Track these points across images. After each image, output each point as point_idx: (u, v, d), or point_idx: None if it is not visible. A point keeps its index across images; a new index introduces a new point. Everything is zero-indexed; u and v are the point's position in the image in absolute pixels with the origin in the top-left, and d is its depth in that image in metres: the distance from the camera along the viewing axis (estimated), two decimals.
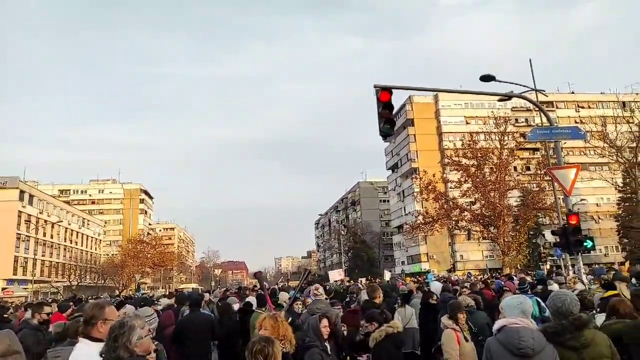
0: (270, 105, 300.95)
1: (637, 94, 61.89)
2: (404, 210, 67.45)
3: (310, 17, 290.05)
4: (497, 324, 3.27)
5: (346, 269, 55.62)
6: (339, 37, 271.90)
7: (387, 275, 27.48)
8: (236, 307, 8.88)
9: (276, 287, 20.77)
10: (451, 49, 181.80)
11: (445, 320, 5.41)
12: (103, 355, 2.41)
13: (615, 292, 7.38)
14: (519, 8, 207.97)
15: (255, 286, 25.04)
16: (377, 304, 6.06)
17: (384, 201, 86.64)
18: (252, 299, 8.68)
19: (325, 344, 4.58)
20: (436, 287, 9.00)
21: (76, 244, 72.65)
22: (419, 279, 24.08)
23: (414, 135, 66.75)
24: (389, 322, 4.63)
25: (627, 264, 24.67)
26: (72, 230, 71.52)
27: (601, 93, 65.19)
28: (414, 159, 65.79)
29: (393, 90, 10.93)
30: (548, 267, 26.24)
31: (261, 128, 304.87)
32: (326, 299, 7.76)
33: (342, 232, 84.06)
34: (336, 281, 28.10)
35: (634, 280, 8.95)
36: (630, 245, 48.51)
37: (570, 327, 3.16)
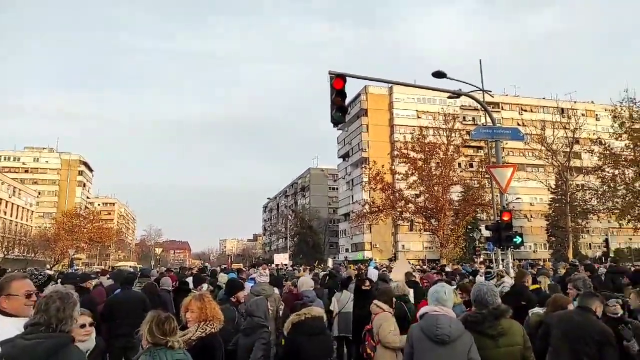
0: (226, 84, 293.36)
1: (575, 102, 66.19)
2: (352, 198, 68.54)
3: None
4: (420, 311, 3.38)
5: (291, 254, 55.90)
6: (303, 20, 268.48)
7: (330, 262, 27.90)
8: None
9: (217, 268, 20.49)
10: (410, 43, 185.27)
11: (378, 303, 5.53)
12: (42, 329, 2.21)
13: (538, 286, 7.93)
14: (478, 9, 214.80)
15: (204, 267, 24.67)
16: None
17: (333, 188, 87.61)
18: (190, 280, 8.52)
19: None
20: (373, 274, 9.22)
21: (5, 214, 68.02)
22: (361, 266, 24.63)
23: (367, 125, 67.65)
24: (301, 310, 4.56)
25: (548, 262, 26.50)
26: (0, 198, 66.83)
27: (543, 98, 68.81)
28: (365, 149, 66.76)
29: (349, 79, 10.99)
30: (481, 260, 27.70)
31: (216, 107, 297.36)
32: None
33: (290, 216, 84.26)
34: (277, 265, 28.19)
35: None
36: (557, 244, 52.20)
37: (489, 316, 3.32)
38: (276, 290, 6.87)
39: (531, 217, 62.73)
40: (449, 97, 15.96)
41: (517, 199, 56.70)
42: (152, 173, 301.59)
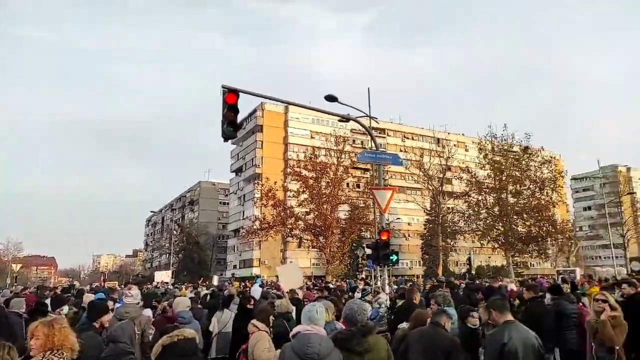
0: (112, 87, 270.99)
1: (449, 133, 73.77)
2: (243, 214, 67.57)
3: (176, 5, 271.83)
4: (293, 331, 3.41)
5: (174, 271, 52.97)
6: (199, 31, 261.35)
7: (216, 280, 27.01)
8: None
9: (86, 287, 18.49)
10: (306, 67, 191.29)
11: (254, 322, 5.49)
12: None
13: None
14: (369, 42, 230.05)
15: (71, 286, 21.94)
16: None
17: (224, 203, 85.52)
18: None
19: None
20: (256, 292, 9.10)
21: None
22: (247, 284, 24.22)
23: (262, 141, 67.68)
24: (173, 332, 4.33)
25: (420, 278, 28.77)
26: None
27: (422, 128, 75.51)
28: (259, 165, 66.61)
29: (244, 95, 10.90)
30: (364, 276, 29.10)
31: (99, 110, 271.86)
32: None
33: (176, 231, 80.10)
34: (157, 283, 26.51)
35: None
36: (429, 261, 56.99)
37: (357, 333, 3.47)
38: (147, 312, 6.38)
39: (409, 236, 67.80)
40: (340, 121, 16.73)
41: (397, 219, 61.16)
42: (13, 178, 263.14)
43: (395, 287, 14.98)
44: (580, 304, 7.79)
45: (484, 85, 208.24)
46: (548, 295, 7.41)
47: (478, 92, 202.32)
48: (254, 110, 68.36)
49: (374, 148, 13.75)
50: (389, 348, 3.60)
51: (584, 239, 72.04)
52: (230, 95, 10.50)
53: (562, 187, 46.62)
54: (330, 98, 15.39)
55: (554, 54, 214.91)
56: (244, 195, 69.68)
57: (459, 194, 44.68)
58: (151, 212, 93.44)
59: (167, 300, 9.41)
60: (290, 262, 52.57)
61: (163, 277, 32.81)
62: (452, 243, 51.43)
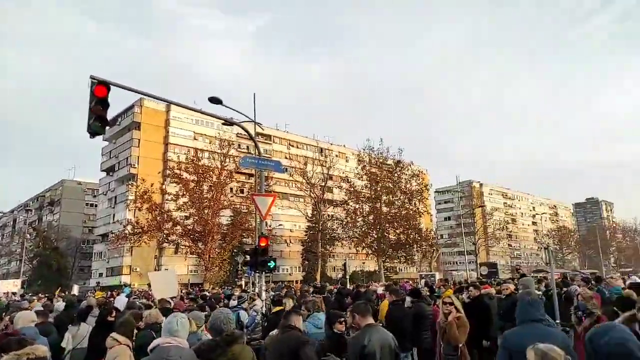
0: None
1: (331, 144, 77.08)
2: (113, 217, 62.12)
3: None
4: (153, 344, 3.21)
5: (26, 280, 46.48)
6: (66, 12, 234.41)
7: (76, 289, 24.34)
8: None
9: None
10: (194, 67, 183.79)
11: (115, 335, 5.09)
12: None
13: (281, 307, 8.62)
14: (260, 48, 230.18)
15: None
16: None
17: (91, 205, 77.83)
18: None
19: None
20: (121, 302, 8.40)
21: None
22: (113, 293, 22.26)
23: (139, 140, 63.10)
24: (21, 350, 3.81)
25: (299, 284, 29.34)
26: None
27: (307, 137, 77.65)
28: (135, 165, 61.95)
29: (122, 89, 9.99)
30: (244, 283, 28.70)
31: None
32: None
33: (29, 235, 70.44)
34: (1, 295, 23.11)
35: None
36: (309, 267, 58.55)
37: (222, 343, 3.39)
38: None
39: (290, 242, 68.87)
40: (224, 124, 16.37)
41: (279, 225, 61.78)
42: None
43: (272, 293, 15.06)
44: (436, 305, 8.64)
45: (365, 100, 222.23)
46: (408, 299, 8.08)
47: (359, 106, 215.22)
48: (132, 106, 63.56)
49: (263, 154, 13.73)
50: (254, 356, 3.59)
51: (443, 246, 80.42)
52: (100, 88, 9.56)
53: (428, 198, 51.71)
54: (215, 100, 15.00)
55: (424, 78, 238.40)
56: (116, 197, 64.19)
57: (339, 202, 46.90)
58: (0, 212, 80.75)
59: (10, 314, 8.18)
60: (166, 269, 49.74)
61: (9, 287, 28.58)
62: (330, 249, 53.51)
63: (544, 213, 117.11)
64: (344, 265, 28.42)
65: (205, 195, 35.31)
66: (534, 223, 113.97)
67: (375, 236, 40.39)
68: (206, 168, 36.00)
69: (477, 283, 10.23)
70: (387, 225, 40.64)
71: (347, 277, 27.01)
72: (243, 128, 13.13)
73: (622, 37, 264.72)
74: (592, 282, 11.23)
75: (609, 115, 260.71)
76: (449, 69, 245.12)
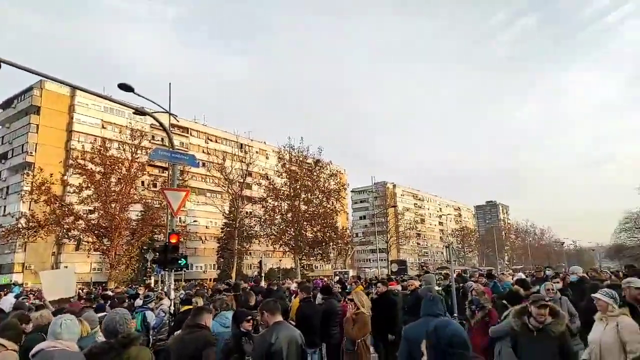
0: None
1: (252, 139, 76.15)
2: (4, 209, 55.84)
3: None
4: (35, 348, 2.93)
5: None
6: None
7: None
8: None
9: None
10: (105, 50, 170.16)
11: (2, 341, 4.56)
12: None
13: (191, 306, 8.35)
14: (182, 38, 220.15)
15: None
16: None
17: None
18: None
19: None
20: (7, 303, 7.58)
21: None
22: (1, 293, 20.03)
23: (37, 125, 57.33)
24: None
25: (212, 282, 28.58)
26: None
27: (226, 132, 75.88)
28: (32, 152, 56.18)
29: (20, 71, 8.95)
30: (153, 282, 27.32)
31: None
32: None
33: None
34: None
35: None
36: (224, 264, 57.31)
37: (116, 345, 3.18)
38: None
39: (206, 239, 66.94)
40: (135, 113, 15.42)
41: (194, 221, 59.83)
42: None
43: (183, 292, 14.51)
44: (345, 302, 8.90)
45: (286, 99, 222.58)
46: (319, 295, 8.23)
47: (280, 104, 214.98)
48: (30, 88, 57.62)
49: (177, 147, 13.15)
50: (152, 357, 3.42)
51: (358, 244, 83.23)
52: None
53: (345, 198, 53.14)
54: (125, 87, 14.08)
55: (345, 79, 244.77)
56: (8, 187, 57.79)
57: (257, 199, 46.47)
58: None
59: None
60: (66, 267, 45.74)
61: None
62: (247, 246, 52.85)
63: (449, 214, 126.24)
64: (260, 262, 28.22)
65: (112, 189, 33.05)
66: (440, 223, 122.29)
67: (293, 234, 40.62)
68: (115, 159, 33.71)
69: (385, 279, 10.71)
70: (305, 223, 41.05)
71: (263, 274, 26.85)
72: (155, 118, 12.49)
73: (520, 58, 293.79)
74: (485, 278, 12.30)
75: (507, 125, 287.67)
76: (367, 72, 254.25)
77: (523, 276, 11.08)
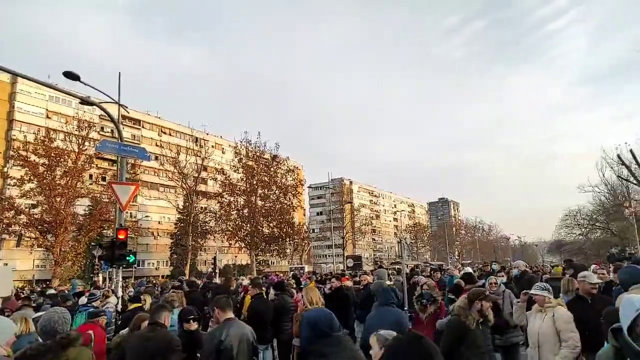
0: None
1: (207, 133, 74.52)
2: None
3: None
4: None
5: None
6: None
7: None
8: None
9: None
10: (51, 35, 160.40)
11: None
12: None
13: (140, 304, 8.13)
14: (136, 26, 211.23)
15: None
16: None
17: None
18: None
19: None
20: None
21: None
22: None
23: None
24: None
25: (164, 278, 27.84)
26: None
27: (180, 124, 73.84)
28: None
29: None
30: (100, 279, 26.21)
31: None
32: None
33: None
34: None
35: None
36: (177, 261, 55.94)
37: (54, 346, 3.04)
38: None
39: (158, 235, 65.07)
40: (81, 103, 14.67)
41: (146, 216, 57.90)
42: None
43: (132, 290, 14.06)
44: (298, 298, 8.94)
45: (243, 93, 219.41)
46: (272, 291, 8.22)
47: (237, 98, 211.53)
48: None
49: (127, 139, 12.65)
50: (93, 358, 3.29)
51: (315, 239, 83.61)
52: None
53: (302, 193, 53.22)
54: (71, 75, 13.34)
55: (304, 76, 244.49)
56: None
57: (213, 194, 45.60)
58: None
59: None
60: (6, 264, 43.07)
61: None
62: (202, 242, 51.85)
63: (403, 210, 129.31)
64: (214, 259, 27.77)
65: (58, 182, 31.43)
66: (394, 219, 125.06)
67: (249, 230, 40.19)
68: (60, 151, 32.07)
69: (339, 275, 10.84)
70: (261, 218, 40.71)
71: (217, 271, 26.43)
72: (102, 108, 11.97)
73: (471, 59, 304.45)
74: (434, 272, 12.72)
75: (459, 125, 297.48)
76: (327, 70, 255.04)
77: (470, 270, 11.54)
